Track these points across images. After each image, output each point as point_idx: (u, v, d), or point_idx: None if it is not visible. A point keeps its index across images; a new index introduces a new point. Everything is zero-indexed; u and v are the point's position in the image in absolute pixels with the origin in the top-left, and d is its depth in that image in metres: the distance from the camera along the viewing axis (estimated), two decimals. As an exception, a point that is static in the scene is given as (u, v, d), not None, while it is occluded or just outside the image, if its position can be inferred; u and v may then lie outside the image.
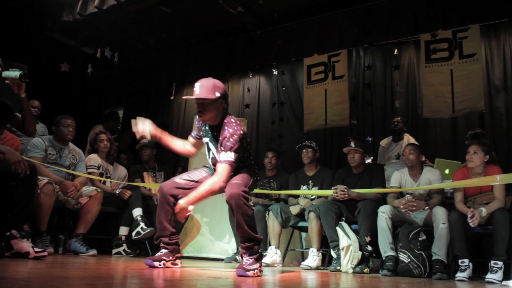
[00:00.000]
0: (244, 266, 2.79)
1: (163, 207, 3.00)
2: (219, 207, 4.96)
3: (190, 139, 3.25)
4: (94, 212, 4.17)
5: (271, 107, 6.76)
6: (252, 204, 4.83)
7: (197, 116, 3.06)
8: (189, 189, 3.00)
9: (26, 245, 2.88)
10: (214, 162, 3.03)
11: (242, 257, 2.92)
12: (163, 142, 3.14)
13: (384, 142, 5.45)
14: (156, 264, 2.94)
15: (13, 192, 2.96)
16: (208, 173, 3.11)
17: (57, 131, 4.24)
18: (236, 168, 2.93)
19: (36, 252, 2.86)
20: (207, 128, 3.09)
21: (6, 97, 3.36)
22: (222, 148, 2.86)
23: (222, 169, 2.84)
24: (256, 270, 2.80)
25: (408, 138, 5.20)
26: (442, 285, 3.05)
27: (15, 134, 3.98)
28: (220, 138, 2.91)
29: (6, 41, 5.58)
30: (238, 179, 2.83)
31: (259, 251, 2.92)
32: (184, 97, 3.13)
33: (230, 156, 2.83)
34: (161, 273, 2.61)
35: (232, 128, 2.88)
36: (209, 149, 3.10)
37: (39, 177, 3.43)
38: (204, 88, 2.90)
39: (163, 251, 3.03)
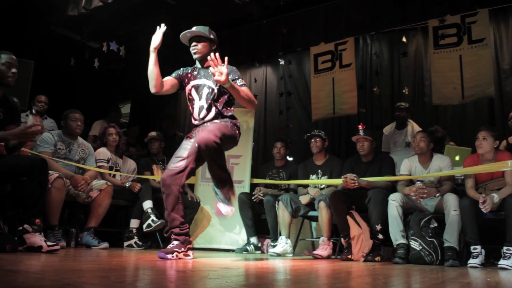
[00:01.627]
0: (220, 207, 3.00)
1: (170, 199, 3.05)
2: (229, 198, 4.96)
3: (167, 77, 3.27)
4: (105, 205, 4.20)
5: (278, 97, 6.74)
6: (262, 195, 4.80)
7: (183, 69, 3.31)
8: (185, 168, 3.08)
9: (38, 239, 2.90)
10: (210, 100, 3.13)
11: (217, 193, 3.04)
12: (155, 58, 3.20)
13: (387, 130, 5.37)
14: (169, 256, 2.96)
15: (24, 187, 2.98)
16: (192, 142, 3.13)
17: (66, 125, 4.25)
18: (221, 112, 3.13)
19: (48, 246, 2.88)
20: (199, 70, 3.23)
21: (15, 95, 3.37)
22: (232, 76, 3.05)
23: (247, 90, 3.10)
24: (229, 208, 3.01)
25: (412, 126, 5.13)
26: (455, 272, 3.03)
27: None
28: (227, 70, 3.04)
29: (12, 37, 5.59)
30: (211, 127, 2.92)
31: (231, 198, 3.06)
32: (181, 34, 3.19)
33: (243, 81, 3.12)
34: (173, 264, 2.62)
35: (230, 66, 3.09)
36: (199, 90, 3.18)
37: (49, 171, 3.45)
38: (200, 28, 3.20)
39: (175, 242, 3.05)
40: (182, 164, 3.09)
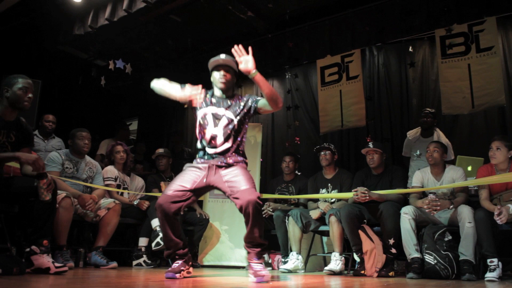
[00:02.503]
0: (260, 273, 2.84)
1: (167, 224, 2.97)
2: (238, 214, 4.87)
3: (176, 85, 3.14)
4: (113, 224, 4.16)
5: (286, 111, 6.71)
6: (271, 210, 4.78)
7: (202, 92, 3.09)
8: (187, 200, 2.99)
9: (46, 260, 2.86)
10: (230, 130, 3.07)
11: (249, 263, 2.98)
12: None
13: (411, 134, 5.19)
14: (177, 275, 2.95)
15: (33, 207, 2.95)
16: (200, 176, 3.02)
17: (73, 144, 4.24)
18: (237, 147, 3.12)
19: (56, 267, 2.84)
20: (219, 99, 3.16)
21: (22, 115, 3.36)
22: (253, 99, 3.13)
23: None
24: (267, 273, 2.88)
25: (439, 135, 4.96)
26: (472, 286, 2.95)
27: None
28: (244, 99, 3.16)
29: (20, 56, 5.64)
30: (248, 184, 2.89)
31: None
32: (213, 58, 3.17)
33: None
34: (183, 284, 2.57)
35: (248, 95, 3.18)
36: (216, 119, 3.10)
37: (57, 191, 3.42)
38: (229, 58, 3.14)
39: (179, 261, 3.05)
40: (183, 194, 2.98)
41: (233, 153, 3.09)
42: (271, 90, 2.99)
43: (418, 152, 4.92)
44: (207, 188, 3.11)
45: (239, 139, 3.13)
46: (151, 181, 5.09)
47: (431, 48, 5.80)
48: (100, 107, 7.11)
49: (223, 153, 3.07)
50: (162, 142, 7.18)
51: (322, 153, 4.68)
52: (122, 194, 4.73)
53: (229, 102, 3.13)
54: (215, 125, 3.09)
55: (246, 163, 3.15)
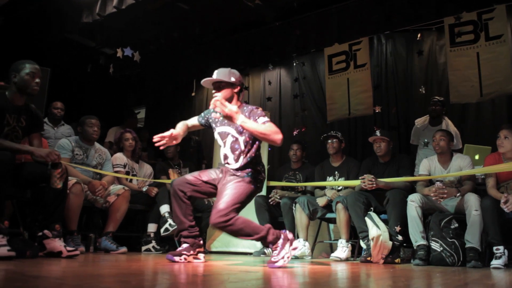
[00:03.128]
0: (272, 259, 2.88)
1: (176, 202, 3.07)
2: (245, 201, 4.94)
3: (194, 121, 3.29)
4: (123, 210, 4.22)
5: (293, 99, 6.71)
6: (278, 198, 4.79)
7: (207, 112, 3.23)
8: (197, 186, 3.09)
9: (58, 244, 2.93)
10: (232, 150, 3.07)
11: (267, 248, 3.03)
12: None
13: (419, 123, 5.19)
14: (177, 258, 2.99)
15: (44, 193, 3.01)
16: (217, 177, 3.11)
17: (83, 131, 4.29)
18: (247, 163, 3.05)
19: (68, 251, 2.91)
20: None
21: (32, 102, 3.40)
22: (252, 119, 2.90)
23: (270, 125, 2.83)
24: (284, 258, 2.88)
25: (447, 123, 4.95)
26: (477, 273, 2.97)
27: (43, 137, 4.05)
28: (246, 114, 2.95)
29: (28, 45, 5.67)
30: (224, 204, 2.83)
31: (278, 238, 2.94)
32: (202, 81, 3.15)
33: (265, 119, 2.87)
34: (192, 268, 2.61)
35: (252, 106, 3.03)
36: (223, 138, 3.13)
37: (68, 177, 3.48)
38: (220, 72, 3.08)
39: (184, 245, 3.09)
40: (196, 180, 3.09)
41: (247, 168, 3.06)
42: (259, 133, 2.81)
43: (425, 140, 4.92)
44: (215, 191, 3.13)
45: (252, 154, 3.07)
46: (160, 168, 5.14)
47: (439, 36, 5.77)
48: (109, 95, 7.14)
49: (239, 170, 3.07)
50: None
51: (329, 141, 4.71)
52: (131, 180, 4.78)
53: None
54: (224, 145, 3.13)
55: (257, 179, 3.07)
